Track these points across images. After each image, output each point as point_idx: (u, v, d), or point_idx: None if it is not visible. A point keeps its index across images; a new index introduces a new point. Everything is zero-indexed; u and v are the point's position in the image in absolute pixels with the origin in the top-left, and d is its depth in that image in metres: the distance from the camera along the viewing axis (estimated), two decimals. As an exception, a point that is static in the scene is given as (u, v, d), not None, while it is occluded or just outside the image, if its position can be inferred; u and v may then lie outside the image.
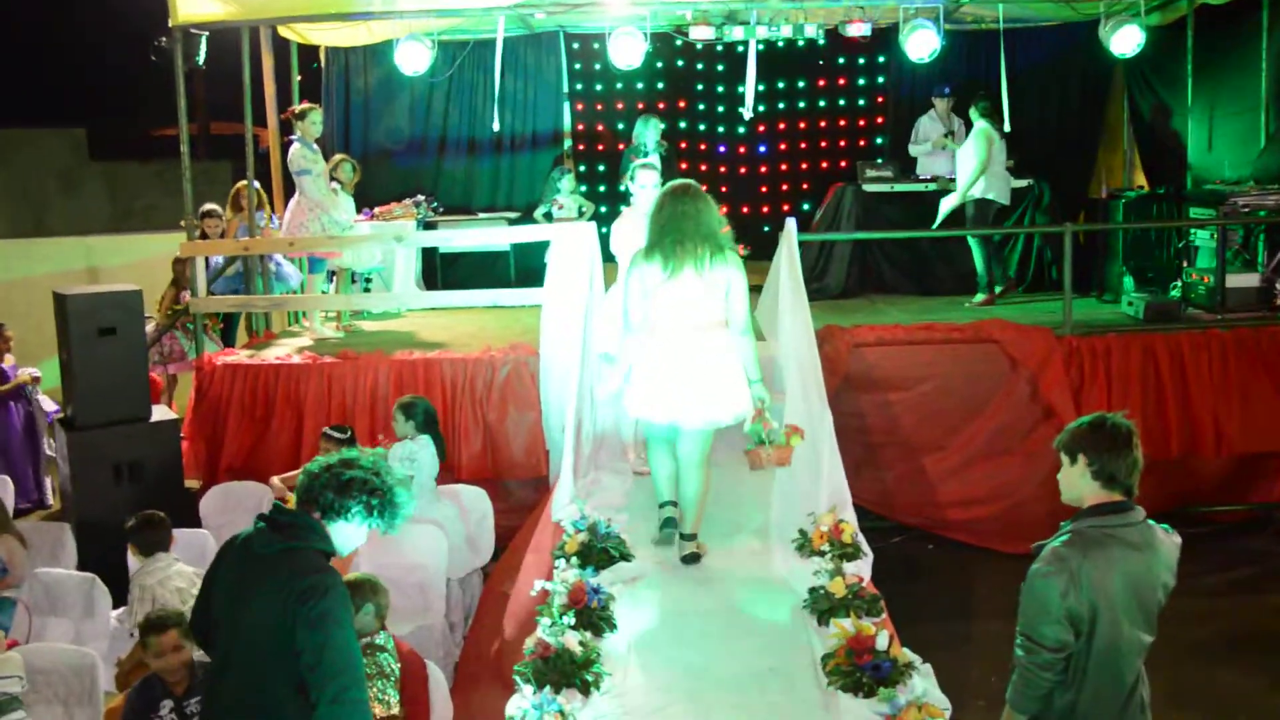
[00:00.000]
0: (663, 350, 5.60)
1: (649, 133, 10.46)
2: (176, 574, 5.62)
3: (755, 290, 9.89)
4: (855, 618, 4.87)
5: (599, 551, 5.68)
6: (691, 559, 5.79)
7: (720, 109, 12.58)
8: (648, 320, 5.63)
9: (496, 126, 10.27)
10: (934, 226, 10.06)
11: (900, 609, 5.33)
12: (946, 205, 10.02)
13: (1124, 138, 11.55)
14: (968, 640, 6.65)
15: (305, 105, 9.38)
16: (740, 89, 10.13)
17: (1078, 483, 3.57)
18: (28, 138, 18.19)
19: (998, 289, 9.95)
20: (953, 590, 7.56)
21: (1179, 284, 9.52)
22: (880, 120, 12.58)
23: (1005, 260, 10.40)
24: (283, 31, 10.25)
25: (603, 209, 11.23)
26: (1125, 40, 9.04)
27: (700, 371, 5.58)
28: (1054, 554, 3.46)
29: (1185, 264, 9.54)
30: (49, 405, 9.30)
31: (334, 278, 10.22)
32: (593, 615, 5.00)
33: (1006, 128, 9.65)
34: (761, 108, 12.30)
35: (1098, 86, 11.77)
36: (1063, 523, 3.60)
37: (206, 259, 9.22)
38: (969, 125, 10.03)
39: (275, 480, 7.20)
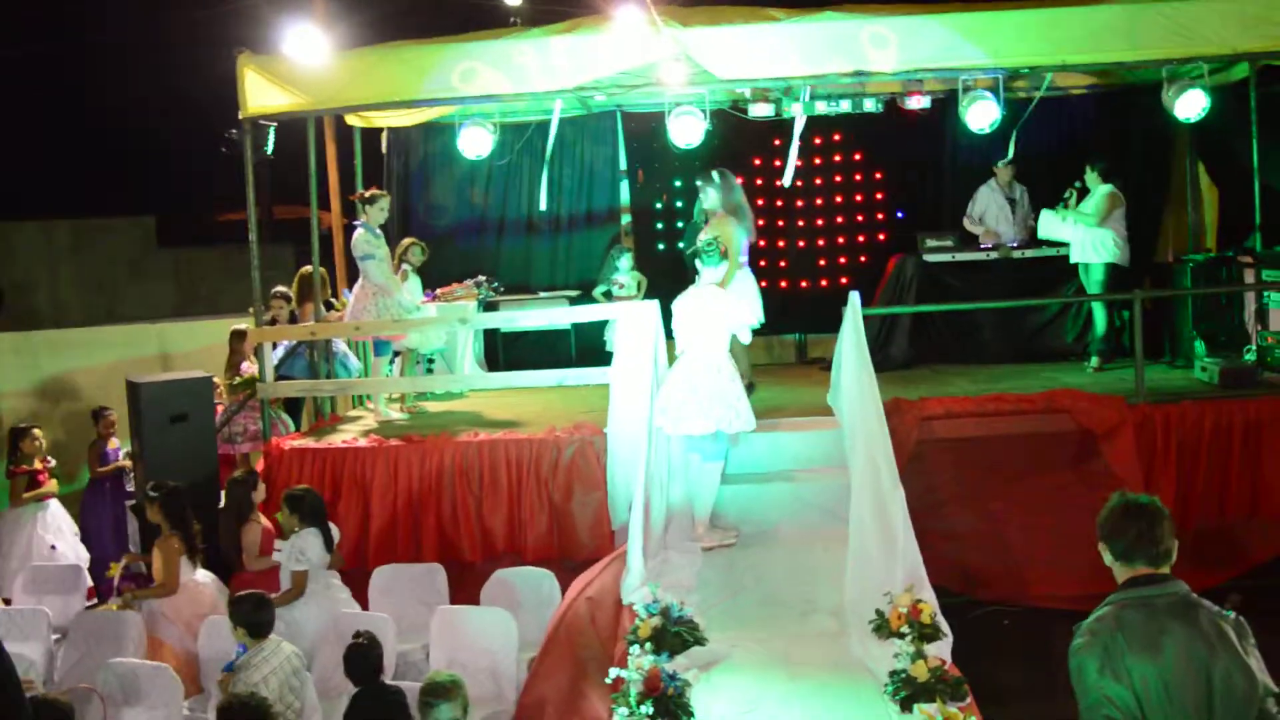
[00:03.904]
0: None
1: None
2: (283, 663, 5.55)
3: (821, 362, 9.92)
4: (941, 703, 4.74)
5: (673, 636, 5.60)
6: None
7: (787, 183, 12.58)
8: None
9: (544, 206, 10.36)
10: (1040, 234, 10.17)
11: (984, 690, 5.18)
12: (1055, 230, 10.05)
13: (1188, 201, 11.41)
14: (1056, 720, 6.43)
15: (375, 191, 9.52)
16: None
17: (1111, 566, 3.54)
18: (100, 227, 18.71)
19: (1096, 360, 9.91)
20: (1035, 666, 7.33)
21: (1253, 348, 9.33)
22: (940, 190, 12.50)
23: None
24: (347, 117, 10.45)
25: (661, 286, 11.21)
26: (1189, 105, 8.94)
27: None
28: (1087, 629, 3.40)
29: (1260, 327, 9.34)
30: None
31: (397, 358, 10.31)
32: (670, 703, 4.91)
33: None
34: (819, 180, 12.29)
35: (1161, 149, 11.63)
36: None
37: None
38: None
39: None
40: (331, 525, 7.11)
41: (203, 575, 7.20)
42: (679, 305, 7.50)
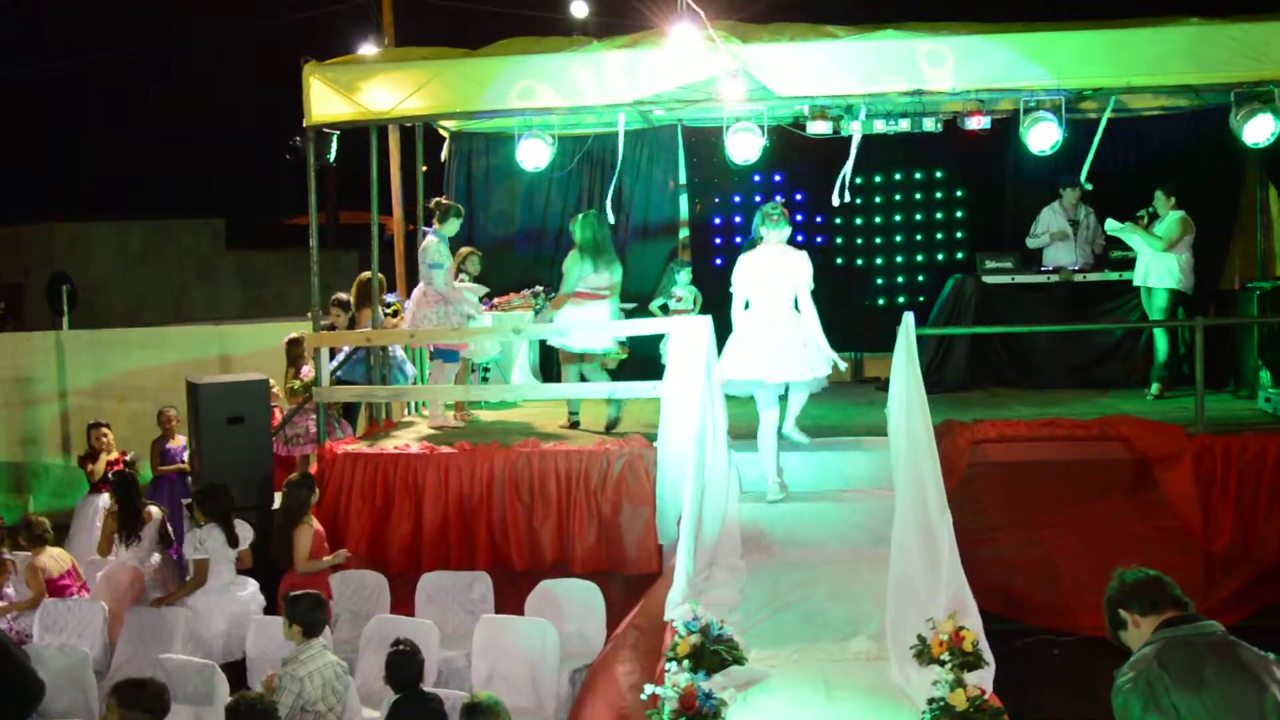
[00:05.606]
0: None
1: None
2: (326, 665, 5.61)
3: (876, 382, 9.86)
4: (978, 733, 4.69)
5: (711, 654, 5.59)
6: None
7: (836, 201, 12.53)
8: None
9: (612, 220, 10.41)
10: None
11: (1025, 722, 5.11)
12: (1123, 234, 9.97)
13: (1258, 226, 11.18)
14: (1098, 757, 6.32)
15: (452, 203, 9.65)
16: (858, 180, 10.13)
17: (1142, 633, 3.56)
18: (171, 228, 19.14)
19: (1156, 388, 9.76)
20: (1081, 699, 7.21)
21: (1321, 379, 9.12)
22: (1000, 211, 12.37)
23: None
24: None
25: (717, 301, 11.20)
26: (1258, 130, 8.74)
27: None
28: (1129, 667, 3.43)
29: (1329, 358, 9.14)
30: None
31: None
32: (704, 722, 4.91)
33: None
34: (879, 199, 12.23)
35: (1229, 174, 11.39)
36: None
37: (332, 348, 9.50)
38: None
39: None
40: (243, 525, 7.48)
41: (132, 558, 7.86)
42: (749, 261, 7.67)
